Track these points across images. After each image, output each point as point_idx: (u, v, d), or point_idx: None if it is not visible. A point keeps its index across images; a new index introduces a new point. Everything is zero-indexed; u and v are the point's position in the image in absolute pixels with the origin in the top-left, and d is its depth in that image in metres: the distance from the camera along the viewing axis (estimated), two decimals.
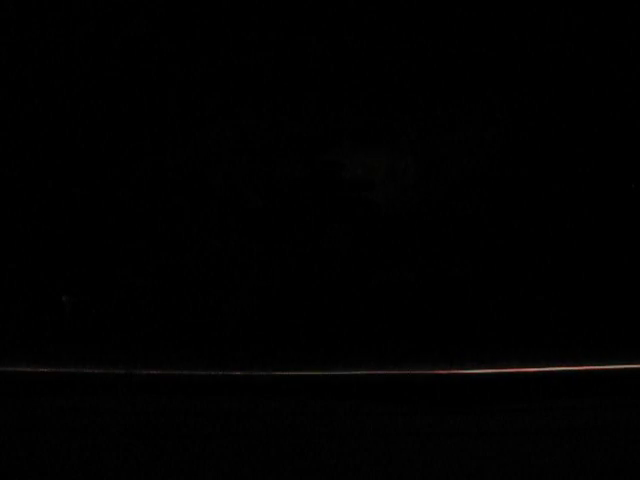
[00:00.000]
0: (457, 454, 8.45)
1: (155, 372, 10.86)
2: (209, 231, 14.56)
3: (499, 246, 14.42)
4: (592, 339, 11.92)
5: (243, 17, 14.49)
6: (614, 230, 13.95)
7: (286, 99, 15.13)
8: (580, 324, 13.12)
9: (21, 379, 10.59)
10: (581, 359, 10.93)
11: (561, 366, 10.68)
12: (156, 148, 15.19)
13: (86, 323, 13.34)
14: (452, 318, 13.11)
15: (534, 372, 10.82)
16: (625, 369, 8.68)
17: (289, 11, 14.12)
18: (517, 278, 13.96)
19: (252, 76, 14.87)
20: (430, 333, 12.87)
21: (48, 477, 8.01)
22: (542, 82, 15.07)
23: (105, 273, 13.92)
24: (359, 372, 10.93)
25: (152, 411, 10.35)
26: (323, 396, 10.34)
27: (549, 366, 10.85)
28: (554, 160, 15.05)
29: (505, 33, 14.67)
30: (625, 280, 12.88)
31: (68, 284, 13.83)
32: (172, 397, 10.86)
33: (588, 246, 14.34)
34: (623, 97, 14.73)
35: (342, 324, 13.57)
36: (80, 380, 10.79)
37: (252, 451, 8.72)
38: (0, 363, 10.72)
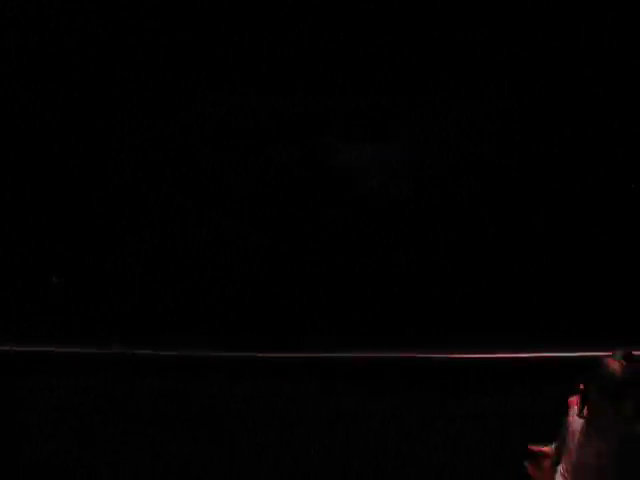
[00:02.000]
0: (455, 436, 8.21)
1: (144, 352, 10.43)
2: (199, 214, 14.01)
3: (491, 233, 13.84)
4: (590, 326, 11.33)
5: (240, 2, 13.81)
6: (607, 223, 13.38)
7: (279, 85, 14.52)
8: (575, 311, 12.61)
9: (8, 358, 10.18)
10: (578, 345, 10.50)
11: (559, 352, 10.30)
12: (146, 132, 14.58)
13: (74, 302, 12.90)
14: (443, 304, 12.62)
15: (531, 358, 10.43)
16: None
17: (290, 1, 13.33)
18: (509, 265, 13.39)
19: (245, 60, 14.25)
20: (421, 319, 12.40)
21: (38, 454, 7.72)
22: (536, 73, 14.44)
23: (96, 256, 13.45)
24: (354, 355, 10.54)
25: (139, 390, 9.96)
26: (317, 378, 9.94)
27: (550, 352, 10.45)
28: (547, 149, 14.47)
29: (502, 24, 14.06)
30: (617, 267, 12.38)
31: (58, 265, 13.35)
32: (159, 377, 10.42)
33: (581, 237, 13.72)
34: (620, 93, 14.01)
35: (332, 309, 13.04)
36: (69, 358, 10.33)
37: (249, 432, 8.42)
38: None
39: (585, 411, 4.64)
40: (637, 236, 15.19)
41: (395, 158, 16.42)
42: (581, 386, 4.63)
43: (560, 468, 4.80)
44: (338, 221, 16.16)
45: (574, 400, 4.73)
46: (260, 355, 10.09)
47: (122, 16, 15.99)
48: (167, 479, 7.86)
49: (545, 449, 5.00)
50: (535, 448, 5.01)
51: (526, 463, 4.94)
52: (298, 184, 16.15)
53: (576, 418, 4.72)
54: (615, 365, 4.60)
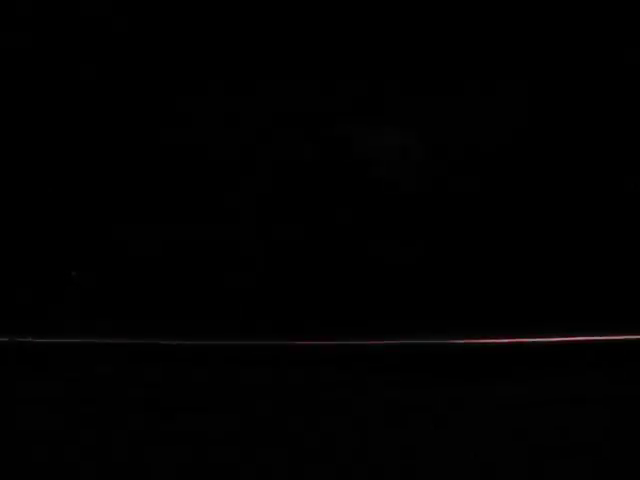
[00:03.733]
0: (468, 423, 8.39)
1: (164, 342, 10.69)
2: (218, 209, 14.29)
3: (504, 224, 14.10)
4: (601, 310, 11.57)
5: None
6: (611, 222, 13.61)
7: (296, 78, 14.81)
8: (583, 295, 12.83)
9: (30, 349, 10.46)
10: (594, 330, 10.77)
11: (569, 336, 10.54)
12: (162, 127, 14.90)
13: (94, 296, 13.22)
14: (459, 292, 12.87)
15: (543, 342, 10.67)
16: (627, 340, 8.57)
17: None
18: (521, 255, 13.66)
19: (262, 54, 14.53)
20: (439, 307, 12.68)
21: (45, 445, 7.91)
22: (547, 67, 14.69)
23: (113, 252, 13.76)
24: (368, 342, 10.77)
25: (155, 381, 10.21)
26: (332, 366, 10.18)
27: (560, 336, 10.70)
28: (559, 140, 14.75)
29: (515, 18, 14.25)
30: (619, 261, 12.64)
31: (78, 261, 13.65)
32: (176, 367, 10.63)
33: (585, 230, 13.91)
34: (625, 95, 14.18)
35: (350, 298, 13.35)
36: (88, 350, 10.60)
37: (260, 420, 8.60)
38: (12, 333, 10.66)
39: None
40: None
41: (414, 150, 16.63)
42: None
43: None
44: (358, 212, 16.32)
45: None
46: (272, 343, 10.20)
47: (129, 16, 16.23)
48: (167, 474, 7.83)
49: None
50: None
51: None
52: (310, 177, 16.33)
53: None
54: None
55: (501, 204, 16.59)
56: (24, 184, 16.15)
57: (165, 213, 16.49)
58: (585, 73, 16.33)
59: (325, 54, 16.48)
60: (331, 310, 14.09)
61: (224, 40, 16.90)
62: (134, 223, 15.80)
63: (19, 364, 9.97)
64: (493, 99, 17.46)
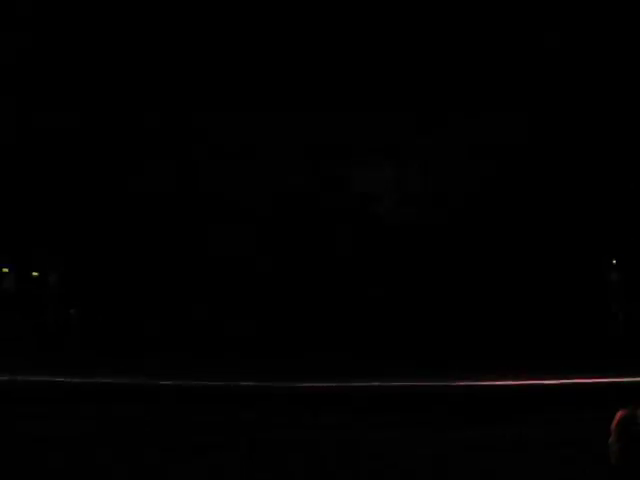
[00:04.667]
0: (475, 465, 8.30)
1: (163, 382, 10.55)
2: (217, 240, 14.25)
3: (505, 256, 14.11)
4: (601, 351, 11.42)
5: (258, 27, 14.13)
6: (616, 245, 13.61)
7: (296, 113, 14.81)
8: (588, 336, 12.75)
9: (29, 388, 10.34)
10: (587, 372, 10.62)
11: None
12: (165, 157, 14.88)
13: (92, 333, 13.16)
14: (459, 329, 12.81)
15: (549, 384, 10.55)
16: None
17: (301, 22, 13.82)
18: (523, 288, 13.60)
19: (263, 88, 14.55)
20: (438, 345, 12.56)
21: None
22: (545, 93, 14.71)
23: (112, 285, 13.73)
24: (370, 384, 10.64)
25: (155, 420, 10.09)
26: (335, 407, 10.06)
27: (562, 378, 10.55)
28: (559, 173, 14.73)
29: (512, 45, 14.31)
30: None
31: (76, 298, 13.65)
32: (173, 406, 10.51)
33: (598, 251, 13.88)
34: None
35: (348, 334, 13.25)
36: (88, 389, 10.47)
37: (262, 461, 8.51)
38: (13, 372, 10.49)
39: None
40: None
41: (411, 184, 16.56)
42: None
43: None
44: (356, 245, 16.25)
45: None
46: (284, 385, 10.14)
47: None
48: None
49: None
50: None
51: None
52: (316, 210, 16.23)
53: None
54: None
55: (499, 238, 16.56)
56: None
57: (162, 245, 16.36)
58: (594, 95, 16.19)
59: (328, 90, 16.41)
60: (322, 349, 14.03)
61: (231, 74, 16.81)
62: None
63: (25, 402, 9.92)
64: (492, 132, 17.44)
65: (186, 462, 8.36)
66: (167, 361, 11.92)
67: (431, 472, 8.00)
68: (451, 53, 14.90)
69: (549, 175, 15.05)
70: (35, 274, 15.81)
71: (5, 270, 16.26)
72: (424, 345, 12.61)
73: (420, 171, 15.46)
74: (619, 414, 4.41)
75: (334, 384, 10.17)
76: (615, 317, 15.38)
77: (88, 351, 13.34)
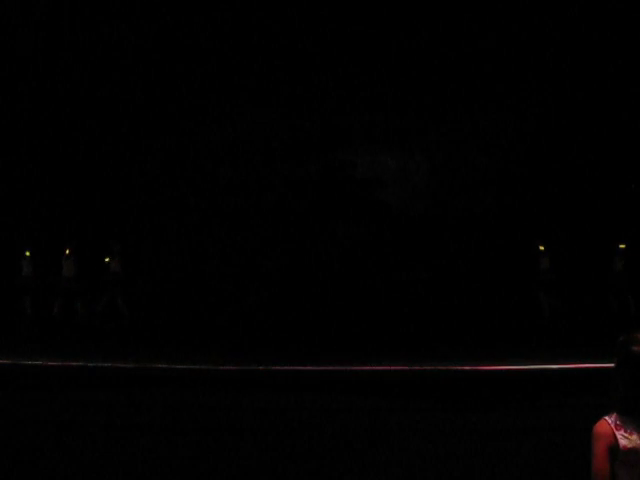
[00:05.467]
0: (468, 451, 8.47)
1: (162, 366, 10.78)
2: (222, 230, 14.44)
3: (507, 244, 14.27)
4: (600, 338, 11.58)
5: (260, 18, 14.32)
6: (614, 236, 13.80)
7: (299, 101, 15.04)
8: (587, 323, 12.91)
9: (33, 372, 10.56)
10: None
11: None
12: (168, 149, 15.10)
13: (97, 321, 13.36)
14: (461, 316, 12.97)
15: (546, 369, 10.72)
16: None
17: (304, 15, 14.01)
18: (524, 275, 13.74)
19: (265, 78, 14.77)
20: (441, 331, 12.74)
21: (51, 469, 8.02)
22: (549, 86, 14.89)
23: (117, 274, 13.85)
24: (370, 368, 10.83)
25: (156, 404, 10.30)
26: (332, 391, 10.25)
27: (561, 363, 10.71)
28: (562, 160, 14.92)
29: (516, 38, 14.46)
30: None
31: (83, 288, 13.81)
32: (176, 391, 10.73)
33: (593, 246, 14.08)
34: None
35: (351, 322, 13.45)
36: (90, 374, 10.70)
37: (259, 446, 8.72)
38: (16, 357, 10.72)
39: None
40: None
41: (416, 171, 16.68)
42: None
43: None
44: (361, 233, 16.40)
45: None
46: (287, 369, 10.28)
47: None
48: None
49: None
50: None
51: None
52: (320, 198, 16.39)
53: None
54: None
55: (502, 226, 16.69)
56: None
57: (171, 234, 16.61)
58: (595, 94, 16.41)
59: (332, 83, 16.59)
60: (325, 336, 14.19)
61: (232, 64, 17.02)
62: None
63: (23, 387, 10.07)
64: (496, 121, 17.58)
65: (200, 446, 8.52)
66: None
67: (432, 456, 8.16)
68: (456, 50, 15.08)
69: (560, 162, 15.21)
70: (106, 259, 15.24)
71: (27, 253, 15.99)
72: (418, 333, 12.77)
73: (425, 159, 15.64)
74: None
75: (335, 367, 10.33)
76: (610, 306, 15.73)
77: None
